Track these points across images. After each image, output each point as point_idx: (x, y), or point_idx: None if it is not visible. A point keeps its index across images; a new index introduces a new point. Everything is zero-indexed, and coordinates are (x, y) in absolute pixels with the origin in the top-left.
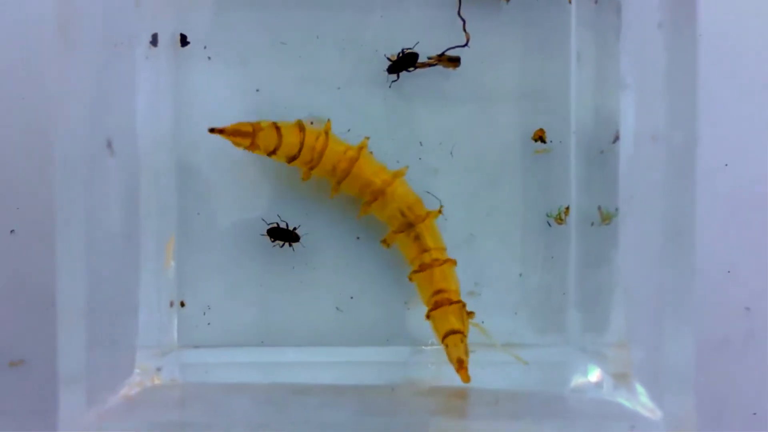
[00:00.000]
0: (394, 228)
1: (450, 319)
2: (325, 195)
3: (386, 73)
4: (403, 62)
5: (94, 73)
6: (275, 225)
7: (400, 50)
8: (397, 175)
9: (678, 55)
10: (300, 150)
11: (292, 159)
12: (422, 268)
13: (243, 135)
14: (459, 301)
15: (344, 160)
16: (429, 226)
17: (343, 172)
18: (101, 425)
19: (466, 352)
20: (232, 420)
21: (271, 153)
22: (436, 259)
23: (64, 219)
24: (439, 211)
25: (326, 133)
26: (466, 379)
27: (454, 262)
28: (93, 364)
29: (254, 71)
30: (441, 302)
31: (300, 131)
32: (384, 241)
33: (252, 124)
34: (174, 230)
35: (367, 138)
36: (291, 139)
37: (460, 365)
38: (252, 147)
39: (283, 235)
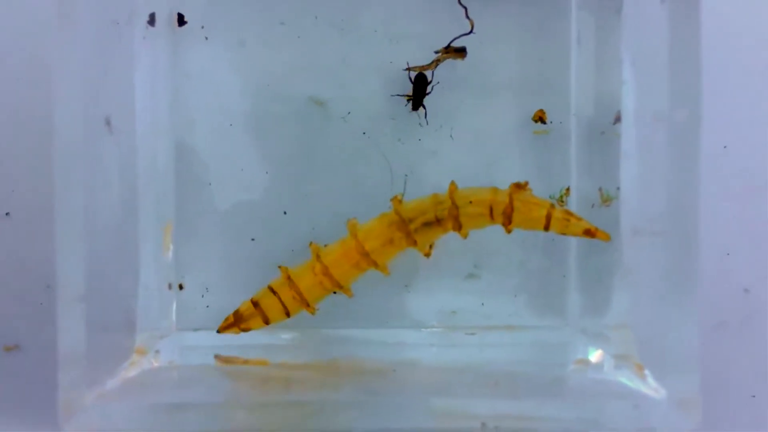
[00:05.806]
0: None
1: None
2: (321, 177)
3: (412, 109)
4: (419, 89)
5: (92, 50)
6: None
7: (408, 78)
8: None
9: (681, 31)
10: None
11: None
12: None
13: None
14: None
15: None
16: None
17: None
18: (100, 407)
19: (573, 216)
20: (231, 401)
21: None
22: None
23: (63, 200)
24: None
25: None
26: (607, 236)
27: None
28: (92, 346)
29: (252, 52)
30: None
31: None
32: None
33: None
34: (172, 212)
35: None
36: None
37: (591, 233)
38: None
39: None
